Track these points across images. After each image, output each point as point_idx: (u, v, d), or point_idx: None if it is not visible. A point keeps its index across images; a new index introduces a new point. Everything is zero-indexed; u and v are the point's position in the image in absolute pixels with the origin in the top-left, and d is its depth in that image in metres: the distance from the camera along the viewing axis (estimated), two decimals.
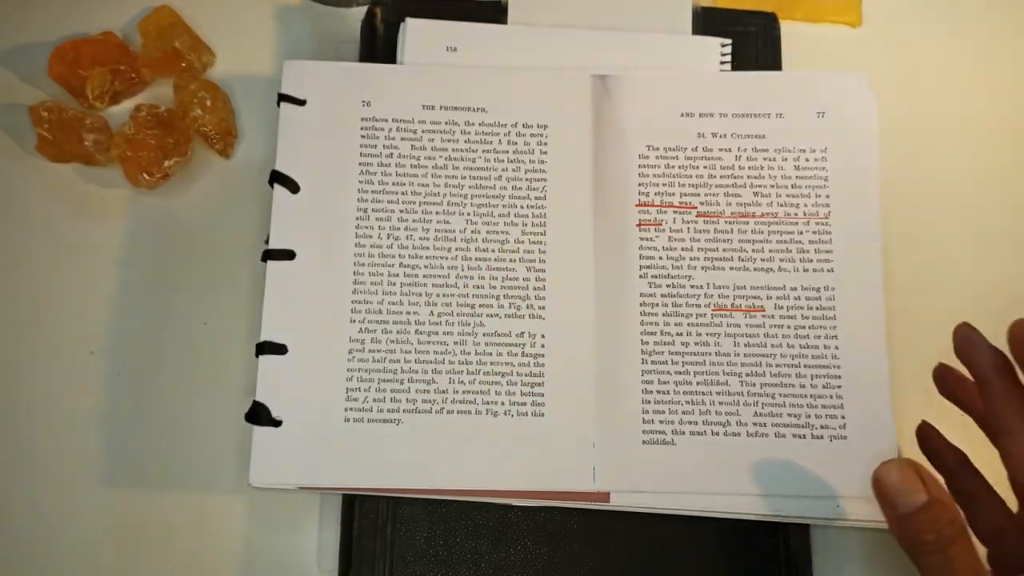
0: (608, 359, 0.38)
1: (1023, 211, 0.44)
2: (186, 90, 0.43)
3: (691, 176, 0.40)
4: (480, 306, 0.38)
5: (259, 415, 0.37)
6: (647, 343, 0.38)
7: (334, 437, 0.37)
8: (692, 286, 0.39)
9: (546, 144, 0.40)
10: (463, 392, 0.38)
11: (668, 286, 0.39)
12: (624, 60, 0.42)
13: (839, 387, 0.38)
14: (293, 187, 0.39)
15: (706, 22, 0.43)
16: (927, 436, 0.37)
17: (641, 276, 0.39)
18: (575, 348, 0.38)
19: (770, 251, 0.39)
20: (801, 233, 0.40)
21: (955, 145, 0.45)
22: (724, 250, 0.39)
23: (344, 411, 0.37)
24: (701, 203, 0.40)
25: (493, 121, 0.41)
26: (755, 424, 0.37)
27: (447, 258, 0.39)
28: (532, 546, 0.37)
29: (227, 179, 0.43)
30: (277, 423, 0.37)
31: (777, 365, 0.38)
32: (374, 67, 0.42)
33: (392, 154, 0.40)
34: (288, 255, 0.39)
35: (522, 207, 0.40)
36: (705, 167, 0.40)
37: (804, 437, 0.37)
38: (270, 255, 0.39)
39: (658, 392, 0.38)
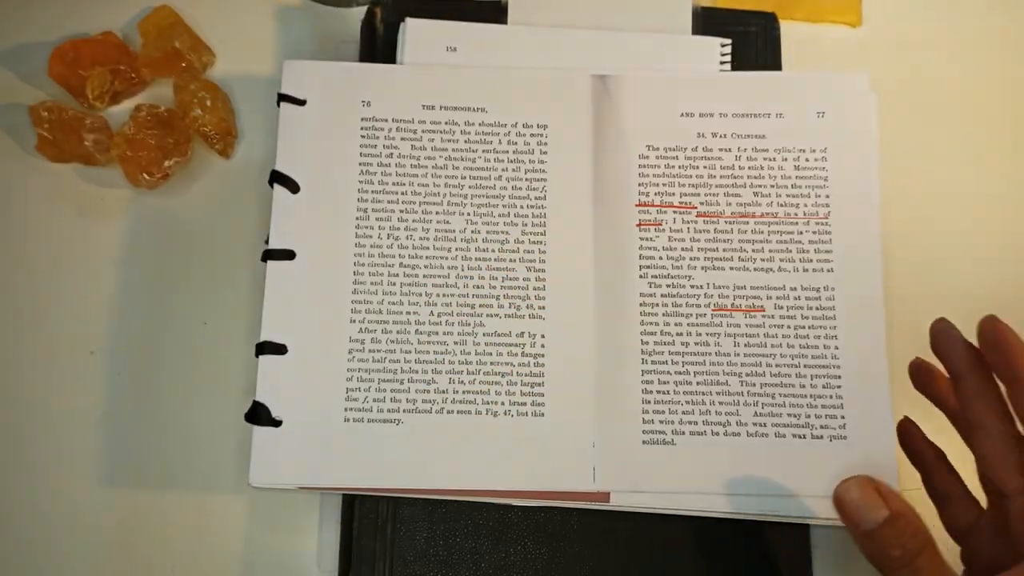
0: (608, 359, 0.38)
1: (1023, 211, 0.45)
2: (186, 90, 0.43)
3: (691, 176, 0.40)
4: (480, 306, 0.38)
5: (259, 415, 0.37)
6: (647, 343, 0.38)
7: (334, 437, 0.37)
8: (692, 286, 0.39)
9: (546, 144, 0.40)
10: (463, 392, 0.38)
11: (668, 286, 0.39)
12: (624, 60, 0.42)
13: (839, 387, 0.38)
14: (293, 187, 0.39)
15: (706, 22, 0.43)
16: (907, 432, 0.37)
17: (641, 276, 0.39)
18: (575, 348, 0.38)
19: (770, 251, 0.39)
20: (801, 233, 0.40)
21: (955, 145, 0.45)
22: (724, 250, 0.39)
23: (344, 411, 0.37)
24: (701, 203, 0.40)
25: (493, 121, 0.41)
26: (755, 424, 0.37)
27: (447, 258, 0.39)
28: (532, 546, 0.37)
29: (227, 179, 0.43)
30: (277, 423, 0.37)
31: (777, 365, 0.38)
32: (374, 67, 0.42)
33: (392, 154, 0.40)
34: (288, 255, 0.39)
35: (522, 207, 0.40)
36: (705, 167, 0.40)
37: (804, 437, 0.37)
38: (270, 255, 0.39)
39: (658, 392, 0.38)
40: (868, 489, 0.31)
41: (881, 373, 0.38)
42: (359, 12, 0.44)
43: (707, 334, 0.38)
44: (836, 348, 0.38)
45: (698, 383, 0.38)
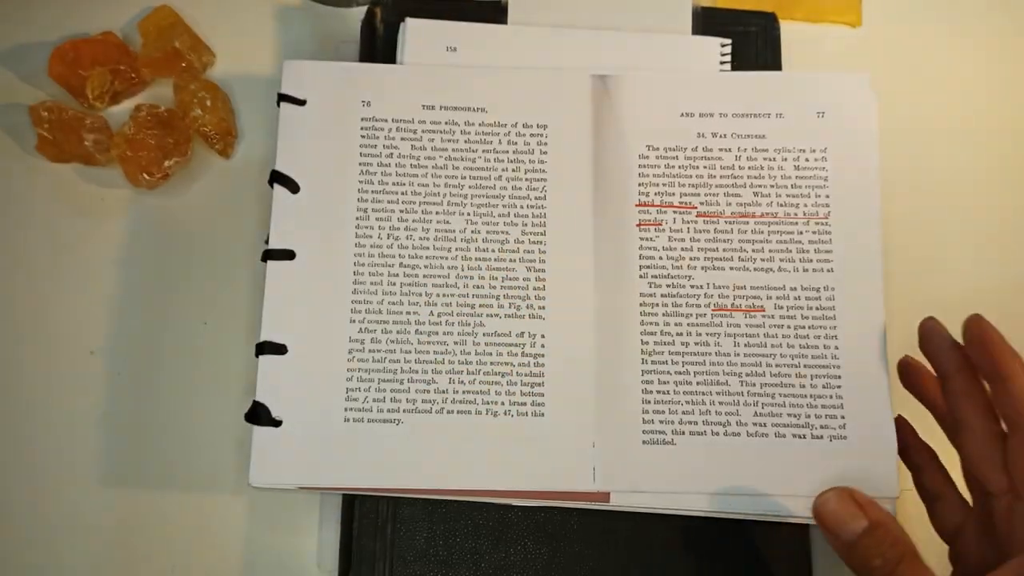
0: (608, 359, 0.38)
1: (1023, 211, 0.45)
2: (186, 90, 0.43)
3: (691, 176, 0.40)
4: (480, 306, 0.38)
5: (259, 415, 0.37)
6: (647, 343, 0.38)
7: (334, 437, 0.37)
8: (692, 286, 0.39)
9: (546, 144, 0.40)
10: (463, 392, 0.37)
11: (668, 286, 0.39)
12: (624, 60, 0.42)
13: (839, 387, 0.38)
14: (293, 187, 0.39)
15: (706, 22, 0.43)
16: (901, 431, 0.37)
17: (641, 276, 0.39)
18: (575, 348, 0.38)
19: (770, 251, 0.39)
20: (801, 233, 0.40)
21: (955, 145, 0.45)
22: (724, 250, 0.39)
23: (344, 411, 0.37)
24: (701, 203, 0.40)
25: (493, 121, 0.41)
26: (755, 424, 0.37)
27: (447, 258, 0.39)
28: (532, 546, 0.37)
29: (227, 179, 0.43)
30: (277, 423, 0.37)
31: (777, 365, 0.38)
32: (374, 67, 0.42)
33: (392, 154, 0.40)
34: (288, 255, 0.39)
35: (522, 207, 0.40)
36: (705, 167, 0.40)
37: (804, 437, 0.37)
38: (270, 255, 0.39)
39: (658, 392, 0.38)
40: (846, 500, 0.32)
41: (881, 373, 0.38)
42: (359, 12, 0.44)
43: (707, 334, 0.38)
44: (836, 348, 0.38)
45: (698, 383, 0.38)
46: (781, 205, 0.40)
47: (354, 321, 0.38)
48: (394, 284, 0.39)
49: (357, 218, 0.39)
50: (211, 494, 0.39)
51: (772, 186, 0.40)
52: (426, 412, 0.37)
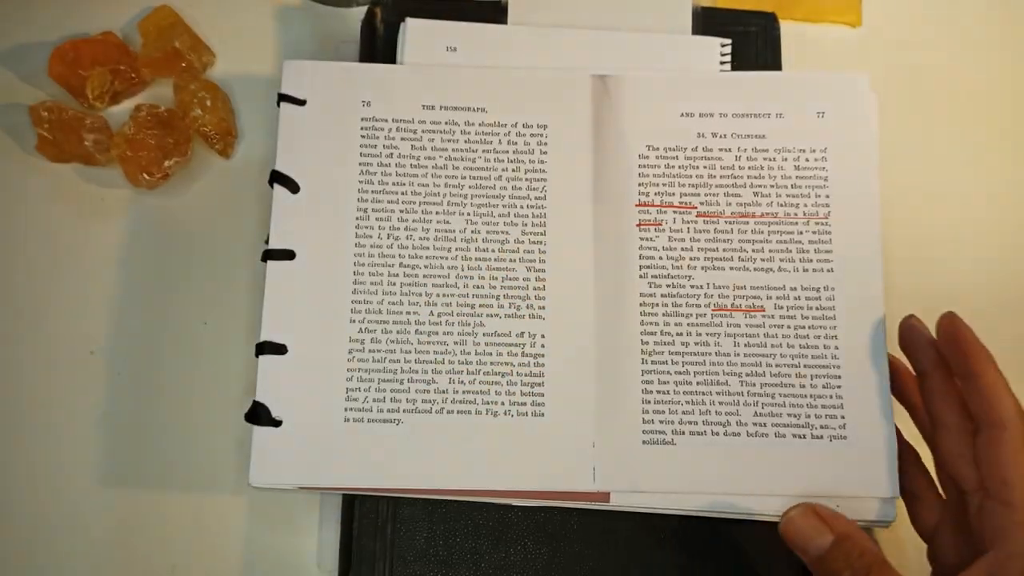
0: (608, 359, 0.38)
1: (1022, 211, 0.45)
2: (186, 90, 0.43)
3: (691, 176, 0.40)
4: (480, 306, 0.38)
5: (259, 415, 0.37)
6: (647, 343, 0.38)
7: (334, 437, 0.37)
8: (692, 286, 0.39)
9: (546, 144, 0.40)
10: (463, 392, 0.37)
11: (668, 286, 0.39)
12: (624, 60, 0.42)
13: (839, 387, 0.38)
14: (293, 187, 0.39)
15: (706, 22, 0.43)
16: None
17: (641, 276, 0.39)
18: (575, 348, 0.38)
19: (770, 251, 0.39)
20: (801, 233, 0.40)
21: (955, 145, 0.45)
22: (724, 250, 0.39)
23: (344, 411, 0.37)
24: (701, 203, 0.40)
25: (493, 121, 0.41)
26: (755, 424, 0.37)
27: (447, 258, 0.39)
28: (532, 546, 0.37)
29: (227, 179, 0.43)
30: (277, 423, 0.37)
31: (777, 365, 0.38)
32: (374, 67, 0.42)
33: (392, 154, 0.40)
34: (288, 255, 0.39)
35: (522, 207, 0.40)
36: (705, 167, 0.40)
37: (804, 437, 0.37)
38: (270, 255, 0.39)
39: (658, 392, 0.38)
40: (810, 516, 0.33)
41: (881, 373, 0.38)
42: (359, 12, 0.44)
43: (707, 334, 0.38)
44: (836, 348, 0.38)
45: (698, 383, 0.38)
46: (781, 205, 0.40)
47: (354, 321, 0.38)
48: (394, 284, 0.39)
49: (357, 218, 0.39)
50: (211, 494, 0.39)
51: (772, 186, 0.40)
52: (426, 412, 0.37)
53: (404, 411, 0.37)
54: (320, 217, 0.39)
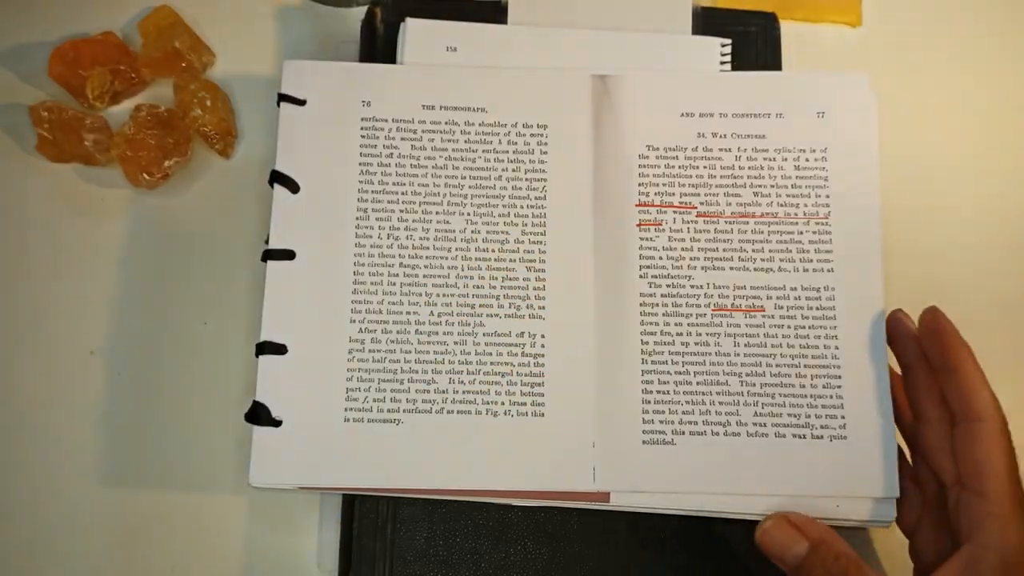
0: (608, 359, 0.38)
1: (1023, 211, 0.45)
2: (186, 90, 0.43)
3: (691, 176, 0.40)
4: (480, 306, 0.38)
5: (259, 415, 0.37)
6: (647, 343, 0.38)
7: (334, 437, 0.37)
8: (692, 286, 0.39)
9: (546, 144, 0.40)
10: (463, 392, 0.37)
11: (668, 286, 0.39)
12: (624, 60, 0.42)
13: (839, 387, 0.38)
14: (293, 187, 0.39)
15: (706, 22, 0.43)
16: None
17: (641, 276, 0.39)
18: (575, 348, 0.38)
19: (770, 251, 0.39)
20: (801, 233, 0.40)
21: (955, 145, 0.45)
22: (724, 250, 0.39)
23: (344, 411, 0.37)
24: (701, 203, 0.40)
25: (493, 121, 0.41)
26: (755, 424, 0.37)
27: (447, 258, 0.39)
28: (532, 546, 0.37)
29: (227, 179, 0.43)
30: (277, 423, 0.37)
31: (777, 365, 0.38)
32: (374, 67, 0.42)
33: (392, 154, 0.40)
34: (288, 255, 0.39)
35: (522, 207, 0.40)
36: (705, 167, 0.40)
37: (804, 437, 0.37)
38: (270, 255, 0.39)
39: (658, 392, 0.38)
40: (784, 526, 0.34)
41: (881, 373, 0.38)
42: (359, 12, 0.44)
43: (707, 334, 0.38)
44: (836, 348, 0.38)
45: (698, 383, 0.38)
46: (781, 205, 0.40)
47: (354, 321, 0.38)
48: (394, 284, 0.39)
49: (357, 218, 0.39)
50: (211, 494, 0.39)
51: (772, 186, 0.40)
52: (426, 412, 0.37)
53: (404, 411, 0.37)
54: (320, 217, 0.39)
